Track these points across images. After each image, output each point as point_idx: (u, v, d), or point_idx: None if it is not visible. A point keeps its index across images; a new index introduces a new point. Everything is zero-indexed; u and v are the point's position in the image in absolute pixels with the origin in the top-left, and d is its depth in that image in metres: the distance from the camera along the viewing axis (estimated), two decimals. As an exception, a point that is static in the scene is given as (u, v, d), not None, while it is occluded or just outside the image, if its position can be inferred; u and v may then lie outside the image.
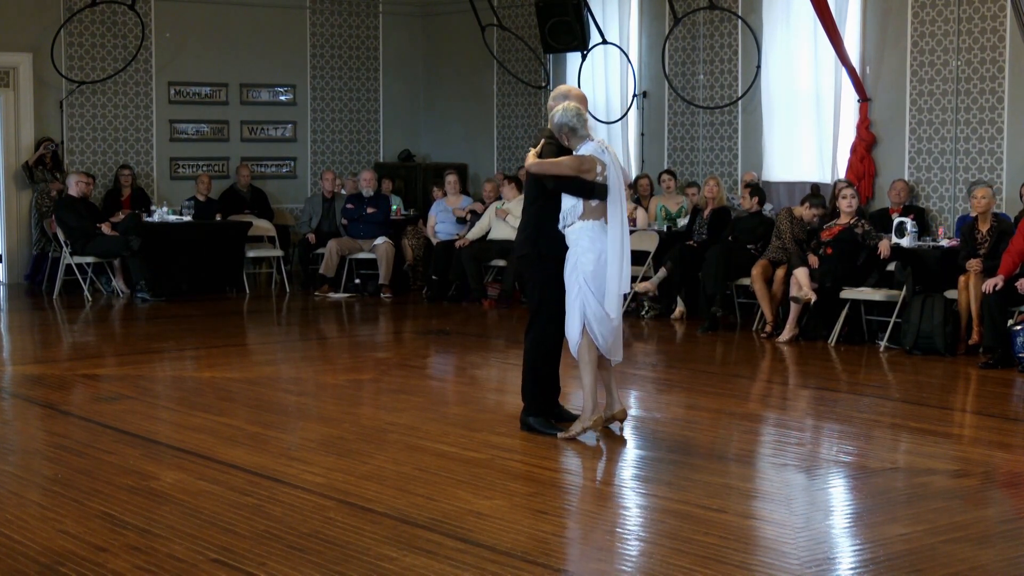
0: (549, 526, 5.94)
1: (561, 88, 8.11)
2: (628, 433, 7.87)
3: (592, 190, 7.52)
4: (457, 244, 14.99)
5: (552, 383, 7.99)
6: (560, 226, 7.61)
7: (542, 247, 7.72)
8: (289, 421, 8.41)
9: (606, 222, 7.54)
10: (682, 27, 15.28)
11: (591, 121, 8.21)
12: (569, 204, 7.56)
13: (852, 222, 11.85)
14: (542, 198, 7.72)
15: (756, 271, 12.21)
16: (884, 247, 11.62)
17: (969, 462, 7.30)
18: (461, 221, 15.37)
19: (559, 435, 7.66)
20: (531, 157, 7.71)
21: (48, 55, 15.78)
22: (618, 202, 7.55)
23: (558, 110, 7.66)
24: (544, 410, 7.91)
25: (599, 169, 7.52)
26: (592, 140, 7.65)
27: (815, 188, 13.29)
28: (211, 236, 15.36)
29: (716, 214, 13.38)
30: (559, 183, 7.60)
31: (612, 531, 5.99)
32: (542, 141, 7.79)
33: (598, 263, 7.50)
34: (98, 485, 6.53)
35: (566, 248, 7.60)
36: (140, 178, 16.50)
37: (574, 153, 7.60)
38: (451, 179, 15.90)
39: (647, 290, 13.26)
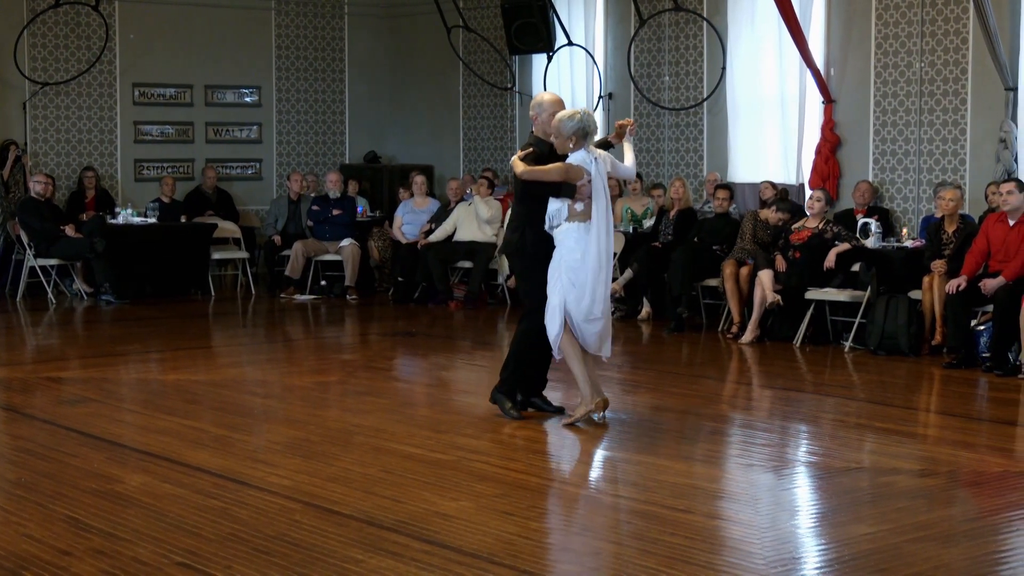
0: (515, 527, 5.94)
1: (539, 97, 8.29)
2: (594, 434, 7.88)
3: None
4: (419, 244, 14.95)
5: (537, 372, 8.29)
6: (546, 227, 7.90)
7: (528, 242, 8.02)
8: (255, 423, 8.37)
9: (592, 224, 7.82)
10: (647, 29, 15.31)
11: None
12: (555, 207, 7.86)
13: (822, 226, 11.89)
14: (528, 198, 8.01)
15: (728, 270, 12.20)
16: (830, 258, 11.58)
17: (933, 462, 7.34)
18: (427, 233, 15.18)
19: (562, 421, 7.99)
20: (518, 163, 7.87)
21: (11, 56, 15.66)
22: (603, 206, 7.80)
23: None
24: (524, 391, 8.28)
25: (585, 178, 7.73)
26: (584, 150, 7.79)
27: (784, 192, 13.34)
28: (176, 238, 15.28)
29: (682, 215, 13.40)
30: (532, 184, 7.87)
31: (578, 532, 6.00)
32: (530, 148, 7.97)
33: (583, 262, 7.76)
34: (62, 489, 6.48)
35: (552, 246, 7.88)
36: (104, 180, 16.40)
37: (567, 160, 7.78)
38: (419, 180, 15.84)
39: (614, 291, 13.27)
